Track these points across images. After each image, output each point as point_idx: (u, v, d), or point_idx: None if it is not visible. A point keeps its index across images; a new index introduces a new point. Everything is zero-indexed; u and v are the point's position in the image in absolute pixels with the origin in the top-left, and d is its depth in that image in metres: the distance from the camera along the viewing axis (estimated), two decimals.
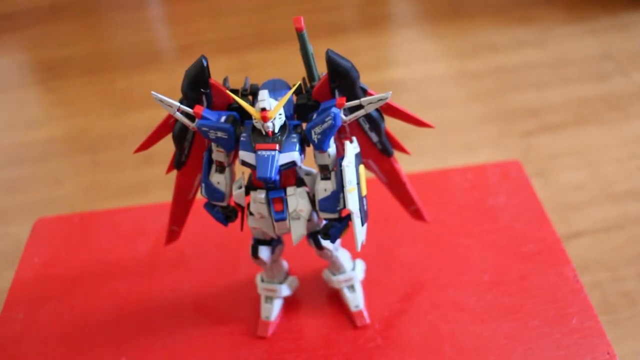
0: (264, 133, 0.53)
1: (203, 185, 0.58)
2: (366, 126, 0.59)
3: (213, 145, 0.57)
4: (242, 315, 0.68)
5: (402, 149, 0.62)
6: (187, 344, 0.66)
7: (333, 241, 0.59)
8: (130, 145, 1.43)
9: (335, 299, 0.68)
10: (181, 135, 0.59)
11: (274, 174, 0.52)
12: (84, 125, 1.59)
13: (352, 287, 0.66)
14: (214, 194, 0.58)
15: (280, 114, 0.53)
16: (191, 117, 0.55)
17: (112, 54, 1.89)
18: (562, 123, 1.42)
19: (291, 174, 0.56)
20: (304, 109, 0.56)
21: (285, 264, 0.67)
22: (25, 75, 1.85)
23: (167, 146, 0.63)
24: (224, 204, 0.59)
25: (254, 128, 0.54)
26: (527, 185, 0.80)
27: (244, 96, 0.57)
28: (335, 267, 0.66)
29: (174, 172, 0.63)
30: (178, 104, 0.54)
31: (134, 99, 1.66)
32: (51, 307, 0.71)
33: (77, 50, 1.90)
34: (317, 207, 0.56)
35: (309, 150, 0.56)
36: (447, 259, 0.72)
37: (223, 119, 0.55)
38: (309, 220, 0.58)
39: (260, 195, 0.56)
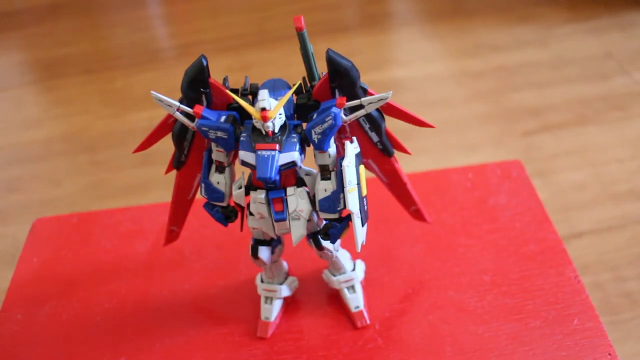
0: (264, 133, 0.53)
1: (203, 185, 0.58)
2: (366, 126, 0.58)
3: (213, 145, 0.57)
4: (241, 315, 0.68)
5: (402, 149, 0.62)
6: (186, 344, 0.66)
7: (333, 241, 0.59)
8: (129, 145, 1.43)
9: (335, 299, 0.68)
10: (181, 135, 0.59)
11: (274, 174, 0.52)
12: (83, 124, 1.59)
13: (352, 288, 0.66)
14: (213, 194, 0.58)
15: (280, 114, 0.53)
16: (191, 117, 0.55)
17: (111, 53, 1.89)
18: (564, 123, 1.42)
19: (291, 174, 0.56)
20: (304, 108, 0.56)
21: (285, 265, 0.67)
22: (23, 74, 1.85)
23: (166, 146, 0.63)
24: (224, 204, 0.59)
25: (253, 128, 0.53)
26: (528, 185, 0.80)
27: (243, 96, 0.57)
28: (336, 267, 0.65)
29: (174, 172, 0.63)
30: (177, 103, 0.54)
31: (133, 99, 1.65)
32: (50, 308, 0.71)
33: (75, 49, 1.90)
34: (317, 208, 0.56)
35: (309, 150, 0.56)
36: (448, 259, 0.72)
37: (223, 118, 0.54)
38: (309, 220, 0.57)
39: (260, 195, 0.56)
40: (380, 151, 0.60)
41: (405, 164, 0.65)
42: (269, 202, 0.56)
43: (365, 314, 0.66)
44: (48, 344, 0.67)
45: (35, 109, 1.70)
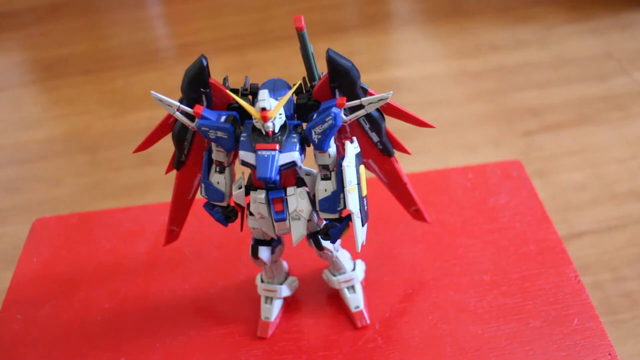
0: (264, 133, 0.53)
1: (203, 185, 0.58)
2: (367, 126, 0.58)
3: (213, 145, 0.57)
4: (242, 315, 0.68)
5: (402, 149, 0.62)
6: (186, 344, 0.66)
7: (333, 241, 0.59)
8: (129, 144, 1.43)
9: (336, 299, 0.68)
10: (181, 135, 0.59)
11: (274, 174, 0.52)
12: (83, 124, 1.59)
13: (352, 288, 0.66)
14: (213, 194, 0.58)
15: (280, 114, 0.53)
16: (191, 117, 0.55)
17: (111, 53, 1.89)
18: (564, 123, 1.42)
19: (291, 174, 0.56)
20: (304, 108, 0.56)
21: (285, 265, 0.67)
22: (23, 74, 1.85)
23: (166, 145, 0.63)
24: (224, 204, 0.59)
25: (254, 128, 0.53)
26: (528, 185, 0.80)
27: (244, 96, 0.57)
28: (336, 267, 0.65)
29: (174, 172, 0.63)
30: (178, 103, 0.54)
31: (133, 99, 1.65)
32: (50, 307, 0.71)
33: (75, 49, 1.90)
34: (317, 208, 0.56)
35: (309, 150, 0.56)
36: (448, 259, 0.72)
37: (223, 118, 0.54)
38: (309, 220, 0.57)
39: (260, 195, 0.56)
40: (380, 151, 0.60)
41: (405, 164, 0.65)
42: (269, 202, 0.56)
43: (365, 314, 0.66)
44: (48, 344, 0.67)
45: (35, 109, 1.70)
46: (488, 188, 0.80)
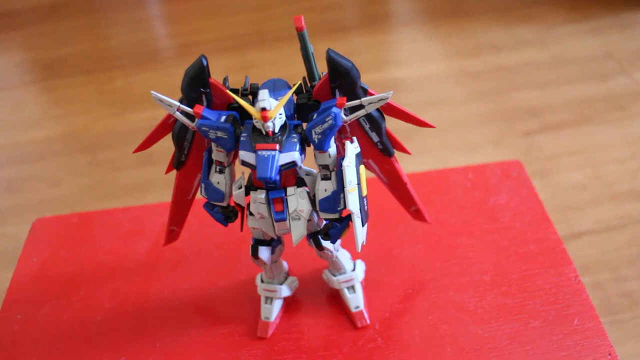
0: (264, 133, 0.53)
1: (203, 185, 0.58)
2: (367, 126, 0.58)
3: (213, 145, 0.57)
4: (242, 315, 0.68)
5: (402, 149, 0.62)
6: (186, 344, 0.66)
7: (333, 241, 0.59)
8: (129, 144, 1.43)
9: (336, 299, 0.68)
10: (181, 135, 0.59)
11: (274, 174, 0.52)
12: (83, 124, 1.59)
13: (352, 288, 0.66)
14: (213, 194, 0.58)
15: (280, 114, 0.53)
16: (191, 117, 0.55)
17: (111, 53, 1.89)
18: (564, 123, 1.42)
19: (291, 174, 0.56)
20: (304, 108, 0.56)
21: (285, 265, 0.67)
22: (23, 74, 1.85)
23: (166, 145, 0.63)
24: (224, 204, 0.59)
25: (254, 128, 0.53)
26: (528, 185, 0.80)
27: (244, 96, 0.57)
28: (336, 267, 0.65)
29: (174, 172, 0.63)
30: (178, 103, 0.54)
31: (133, 99, 1.65)
32: (50, 307, 0.71)
33: (75, 49, 1.90)
34: (318, 208, 0.56)
35: (309, 150, 0.56)
36: (448, 259, 0.72)
37: (223, 118, 0.54)
38: (309, 220, 0.57)
39: (261, 195, 0.56)
40: (380, 151, 0.60)
41: (405, 164, 0.65)
42: (269, 202, 0.56)
43: (365, 314, 0.66)
44: (48, 343, 0.67)
45: (35, 109, 1.70)
46: (488, 188, 0.80)
